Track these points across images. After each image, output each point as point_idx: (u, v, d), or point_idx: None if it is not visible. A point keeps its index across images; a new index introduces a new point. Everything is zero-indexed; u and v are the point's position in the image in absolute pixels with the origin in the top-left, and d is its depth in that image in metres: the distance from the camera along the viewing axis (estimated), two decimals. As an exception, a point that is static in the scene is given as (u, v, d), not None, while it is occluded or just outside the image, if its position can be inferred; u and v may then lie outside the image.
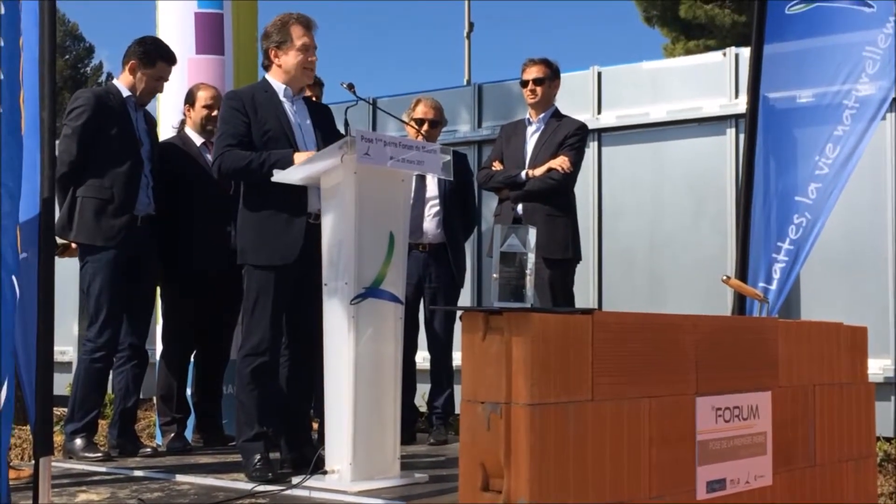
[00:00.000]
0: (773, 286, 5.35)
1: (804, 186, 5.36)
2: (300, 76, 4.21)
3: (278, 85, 4.21)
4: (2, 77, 2.72)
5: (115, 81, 4.88)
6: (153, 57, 4.79)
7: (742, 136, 5.66)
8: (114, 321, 4.65)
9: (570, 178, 5.28)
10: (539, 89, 5.38)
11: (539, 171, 5.25)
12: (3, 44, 2.75)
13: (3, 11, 2.76)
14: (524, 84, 5.42)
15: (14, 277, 2.77)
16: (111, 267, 4.61)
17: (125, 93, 4.78)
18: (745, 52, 5.92)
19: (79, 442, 4.58)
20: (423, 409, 5.76)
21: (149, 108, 5.00)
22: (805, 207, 5.35)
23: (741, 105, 5.87)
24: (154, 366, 5.22)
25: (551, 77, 5.42)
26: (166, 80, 4.89)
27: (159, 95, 5.12)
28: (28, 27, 3.04)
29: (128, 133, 4.71)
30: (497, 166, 5.45)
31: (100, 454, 4.56)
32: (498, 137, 5.71)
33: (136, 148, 4.72)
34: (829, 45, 5.40)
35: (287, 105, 4.19)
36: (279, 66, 4.19)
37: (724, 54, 6.49)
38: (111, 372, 4.84)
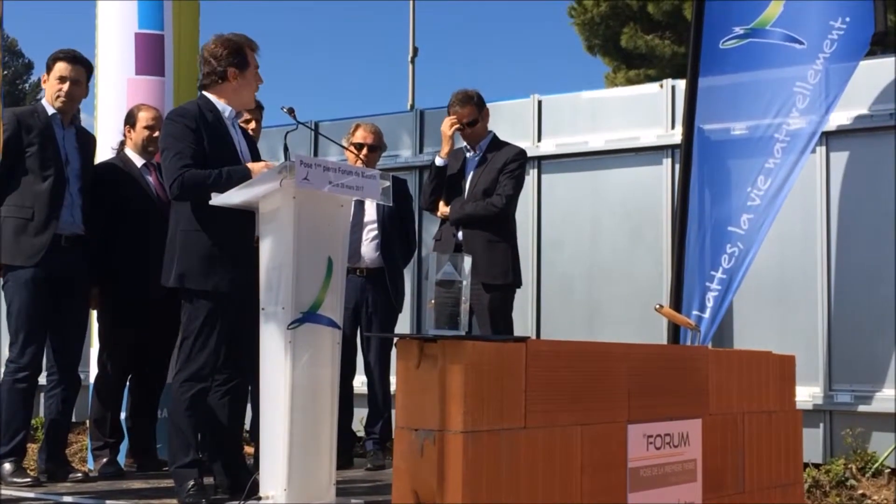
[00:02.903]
0: (707, 314, 5.46)
1: (737, 217, 5.48)
2: (251, 100, 4.33)
3: (223, 106, 4.17)
4: None
5: (42, 101, 4.85)
6: (51, 60, 4.79)
7: (678, 167, 5.78)
8: (34, 341, 4.57)
9: (510, 204, 5.33)
10: (474, 129, 5.42)
11: (444, 209, 5.39)
12: None
13: None
14: (461, 127, 5.43)
15: None
16: (31, 286, 4.54)
17: (50, 111, 4.74)
18: (682, 84, 6.03)
19: (6, 466, 4.49)
20: (362, 433, 5.75)
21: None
22: (738, 237, 5.47)
23: (677, 136, 5.98)
24: (87, 389, 5.13)
25: (480, 111, 5.45)
26: (71, 79, 4.76)
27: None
28: None
29: (51, 151, 4.65)
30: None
31: (28, 479, 4.48)
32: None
33: (61, 166, 4.67)
34: (761, 79, 5.54)
35: (230, 127, 4.19)
36: (236, 87, 4.18)
37: (661, 86, 6.60)
38: (42, 395, 4.75)
